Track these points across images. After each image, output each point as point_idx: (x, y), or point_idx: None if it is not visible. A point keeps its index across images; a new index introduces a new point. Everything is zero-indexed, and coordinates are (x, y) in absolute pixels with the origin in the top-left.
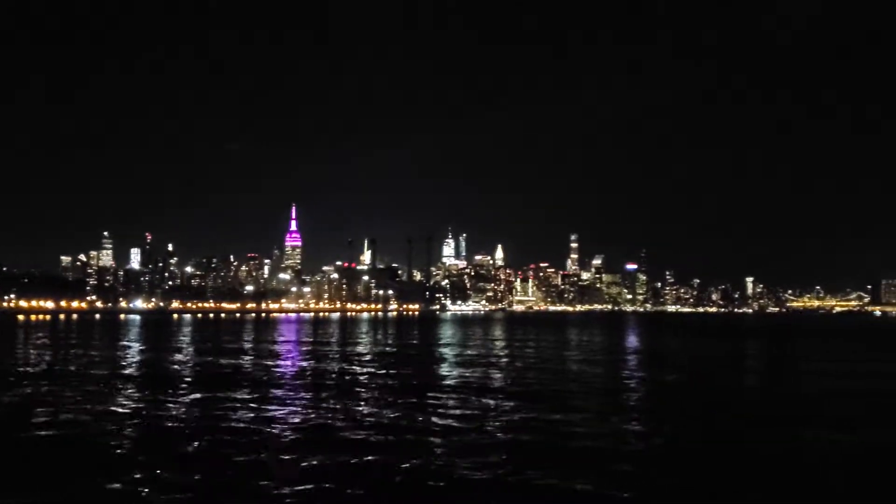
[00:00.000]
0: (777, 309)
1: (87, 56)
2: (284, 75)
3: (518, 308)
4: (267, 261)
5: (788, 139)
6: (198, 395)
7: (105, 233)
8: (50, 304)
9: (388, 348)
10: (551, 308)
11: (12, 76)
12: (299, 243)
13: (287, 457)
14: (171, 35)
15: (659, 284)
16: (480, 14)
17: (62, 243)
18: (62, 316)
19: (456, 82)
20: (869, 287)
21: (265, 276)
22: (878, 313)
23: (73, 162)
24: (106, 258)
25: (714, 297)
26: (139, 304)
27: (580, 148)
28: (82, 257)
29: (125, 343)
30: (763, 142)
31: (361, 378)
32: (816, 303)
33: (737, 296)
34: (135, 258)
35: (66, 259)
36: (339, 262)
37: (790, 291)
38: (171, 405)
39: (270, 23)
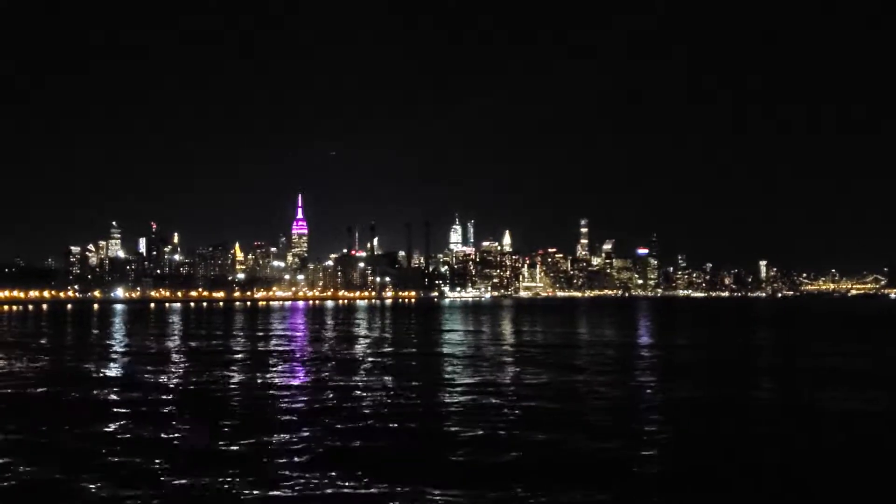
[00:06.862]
0: (791, 292)
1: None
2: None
3: (524, 294)
4: (273, 249)
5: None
6: None
7: (113, 223)
8: (32, 295)
9: None
10: (559, 294)
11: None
12: (306, 231)
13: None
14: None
15: (671, 269)
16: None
17: (77, 234)
18: (31, 307)
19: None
20: (886, 269)
21: (271, 263)
22: (893, 296)
23: (89, 154)
24: (114, 248)
25: (727, 281)
26: (119, 293)
27: (590, 133)
28: (91, 247)
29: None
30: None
31: None
32: (831, 286)
33: (750, 280)
34: (143, 247)
35: (76, 249)
36: (345, 250)
37: (805, 275)
38: None
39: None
